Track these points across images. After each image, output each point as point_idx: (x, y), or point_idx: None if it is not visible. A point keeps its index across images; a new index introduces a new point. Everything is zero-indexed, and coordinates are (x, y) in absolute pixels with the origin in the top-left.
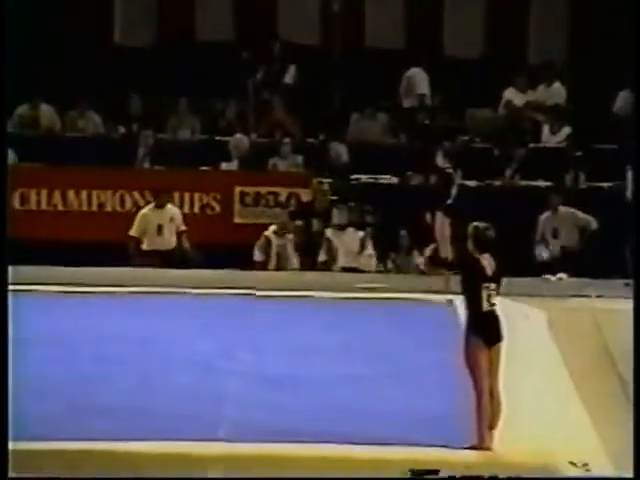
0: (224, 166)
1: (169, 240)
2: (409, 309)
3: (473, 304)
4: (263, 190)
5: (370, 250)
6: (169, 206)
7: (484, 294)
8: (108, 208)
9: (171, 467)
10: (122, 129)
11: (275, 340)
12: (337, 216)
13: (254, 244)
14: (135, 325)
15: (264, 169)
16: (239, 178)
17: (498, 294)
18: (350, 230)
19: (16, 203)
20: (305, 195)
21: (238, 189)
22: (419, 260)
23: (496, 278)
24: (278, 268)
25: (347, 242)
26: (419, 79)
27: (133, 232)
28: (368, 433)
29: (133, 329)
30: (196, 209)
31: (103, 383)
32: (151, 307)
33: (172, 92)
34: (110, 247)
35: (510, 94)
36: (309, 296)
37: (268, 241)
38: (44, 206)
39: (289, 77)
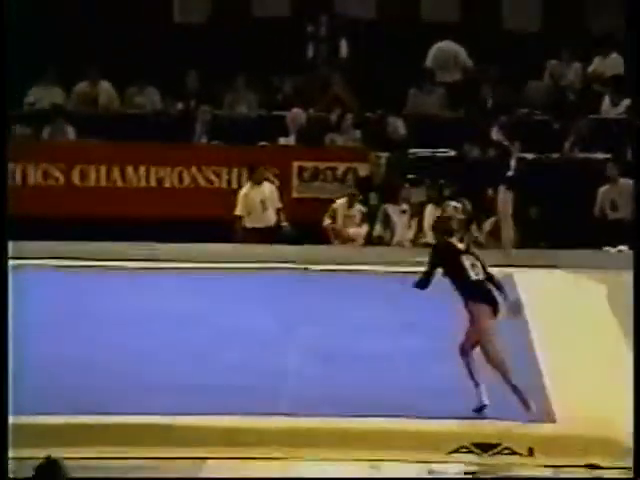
0: (282, 141)
1: (271, 217)
2: None
3: (461, 278)
4: (321, 165)
5: None
6: (266, 183)
7: (467, 264)
8: (167, 184)
9: (233, 440)
10: (180, 105)
11: (333, 314)
12: (416, 194)
13: (312, 219)
14: (194, 301)
15: (322, 144)
16: (297, 153)
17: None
18: (430, 207)
19: (76, 179)
20: (363, 169)
21: (296, 164)
22: (477, 234)
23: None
24: (343, 240)
25: (427, 219)
26: (458, 51)
27: (238, 211)
28: (427, 407)
29: (193, 305)
30: None
31: (163, 359)
32: (209, 283)
33: (229, 68)
34: (169, 222)
35: (568, 66)
36: (368, 270)
37: (335, 211)
38: (103, 182)
39: (346, 51)
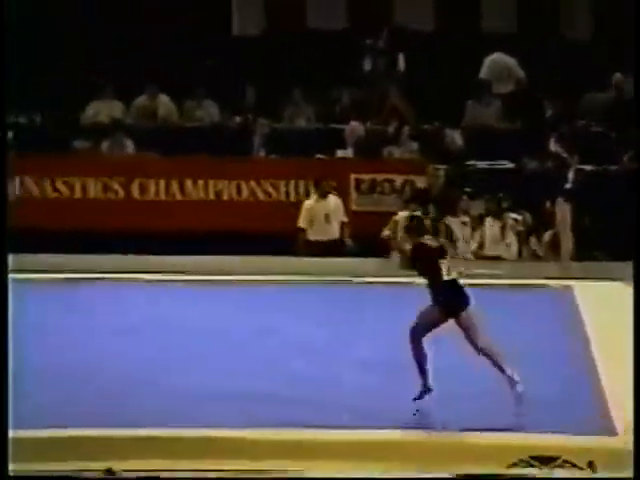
0: (339, 154)
1: (334, 230)
2: (526, 295)
3: (435, 279)
4: (379, 177)
5: (510, 238)
6: (331, 196)
7: (442, 267)
8: (225, 197)
9: (295, 454)
10: (238, 119)
11: (389, 326)
12: (474, 206)
13: (369, 231)
14: (250, 314)
15: (379, 156)
16: (354, 166)
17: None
18: (489, 219)
19: (135, 193)
20: (420, 182)
21: (353, 177)
22: (536, 246)
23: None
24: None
25: (487, 231)
26: (510, 63)
27: (301, 223)
28: (485, 419)
29: (249, 318)
30: None
31: (223, 369)
32: (263, 296)
33: (287, 81)
34: (228, 235)
35: (623, 77)
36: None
37: (396, 223)
38: (162, 196)
39: (403, 64)
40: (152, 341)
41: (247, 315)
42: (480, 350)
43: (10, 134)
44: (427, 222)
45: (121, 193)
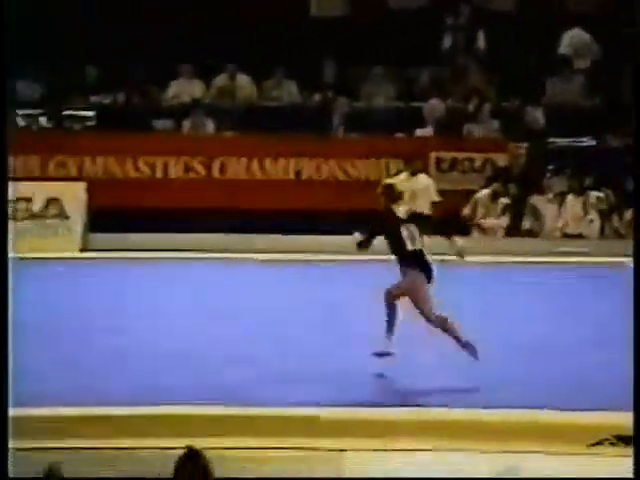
0: (419, 132)
1: (422, 208)
2: (606, 273)
3: (398, 246)
4: (459, 156)
5: (592, 215)
6: (422, 175)
7: (405, 234)
8: (305, 176)
9: (377, 433)
10: (317, 97)
11: (479, 305)
12: (557, 184)
13: (449, 209)
14: (338, 290)
15: (459, 135)
16: (434, 144)
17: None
18: (570, 197)
19: (216, 172)
20: (501, 160)
21: (433, 155)
22: (618, 224)
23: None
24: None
25: (569, 209)
26: (588, 39)
27: None
28: (572, 399)
29: (336, 295)
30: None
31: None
32: (355, 273)
33: (366, 60)
34: (307, 214)
35: None
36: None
37: (476, 202)
38: (243, 175)
39: (483, 41)
40: (238, 320)
41: (326, 291)
42: (430, 320)
43: (92, 114)
44: (506, 200)
45: (202, 172)
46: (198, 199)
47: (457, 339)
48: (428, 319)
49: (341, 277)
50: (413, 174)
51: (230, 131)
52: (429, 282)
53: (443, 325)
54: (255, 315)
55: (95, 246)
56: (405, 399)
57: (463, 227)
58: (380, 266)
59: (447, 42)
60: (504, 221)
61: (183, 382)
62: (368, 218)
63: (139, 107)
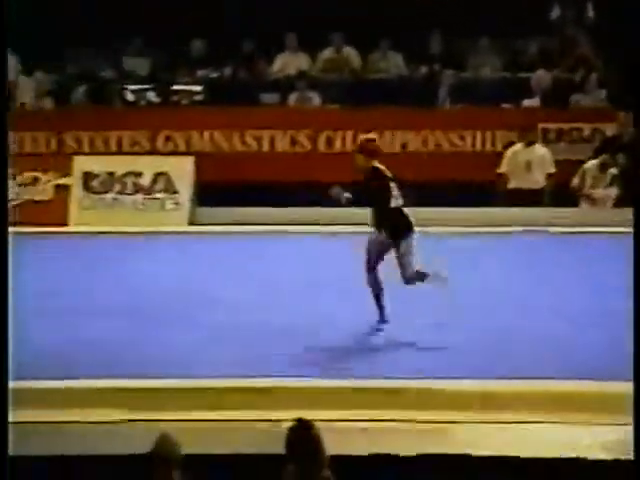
0: (526, 103)
1: (537, 179)
2: None
3: (384, 204)
4: (566, 126)
5: None
6: (538, 145)
7: (395, 192)
8: (411, 148)
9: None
10: (424, 69)
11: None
12: None
13: (560, 181)
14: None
15: (567, 105)
16: (541, 115)
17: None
18: None
19: (322, 146)
20: (610, 130)
21: (541, 126)
22: None
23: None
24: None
25: None
26: None
27: (502, 169)
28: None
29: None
30: (499, 147)
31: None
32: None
33: (473, 31)
34: (415, 186)
35: None
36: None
37: (584, 172)
38: (349, 148)
39: (592, 11)
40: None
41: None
42: (408, 279)
43: (200, 88)
44: (614, 171)
45: (308, 146)
46: (304, 172)
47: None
48: (409, 276)
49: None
50: (529, 144)
51: (336, 104)
52: (406, 237)
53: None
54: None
55: (203, 220)
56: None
57: (572, 198)
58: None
59: (555, 12)
60: (613, 192)
61: (294, 352)
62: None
63: (246, 81)
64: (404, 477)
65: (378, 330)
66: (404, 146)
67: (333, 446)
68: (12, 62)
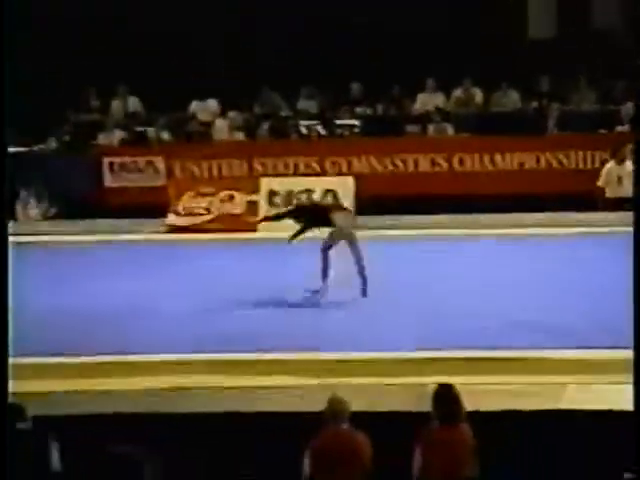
0: (618, 129)
1: (626, 190)
2: None
3: None
4: None
5: None
6: (628, 162)
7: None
8: (527, 167)
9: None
10: (535, 104)
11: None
12: None
13: None
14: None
15: None
16: (630, 138)
17: None
18: None
19: (456, 166)
20: None
21: (629, 147)
22: None
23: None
24: None
25: None
26: None
27: (599, 182)
28: None
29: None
30: (597, 164)
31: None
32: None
33: (574, 73)
34: (529, 197)
35: None
36: None
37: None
38: (477, 167)
39: None
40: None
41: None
42: (358, 262)
43: (358, 122)
44: None
45: (444, 166)
46: (442, 187)
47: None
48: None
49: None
50: (620, 162)
51: (466, 133)
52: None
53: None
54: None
55: (362, 226)
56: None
57: None
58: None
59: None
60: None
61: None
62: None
63: (394, 116)
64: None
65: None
66: (521, 165)
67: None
68: (213, 105)
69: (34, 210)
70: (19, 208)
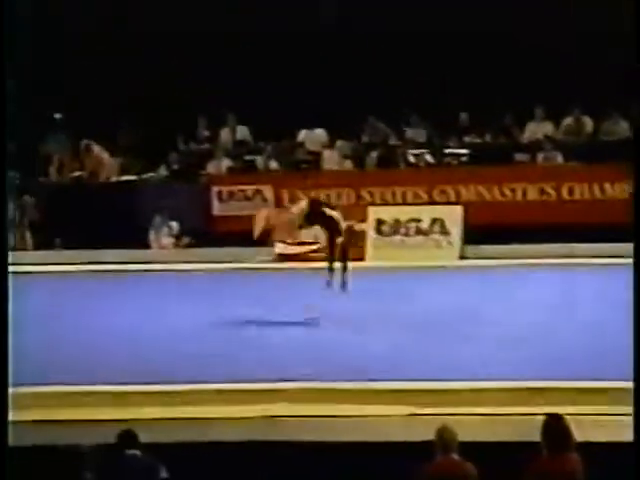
0: None
1: None
2: None
3: None
4: None
5: None
6: None
7: None
8: None
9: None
10: None
11: None
12: None
13: None
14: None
15: None
16: None
17: None
18: None
19: (565, 195)
20: None
21: None
22: None
23: None
24: None
25: None
26: None
27: None
28: None
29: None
30: None
31: None
32: None
33: None
34: None
35: None
36: None
37: None
38: (586, 196)
39: None
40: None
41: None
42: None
43: (466, 151)
44: None
45: (553, 195)
46: (550, 216)
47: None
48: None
49: None
50: None
51: (575, 161)
52: None
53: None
54: None
55: (470, 255)
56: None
57: None
58: None
59: None
60: None
61: None
62: None
63: (502, 144)
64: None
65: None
66: (631, 194)
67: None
68: (321, 134)
69: (168, 239)
70: (152, 236)
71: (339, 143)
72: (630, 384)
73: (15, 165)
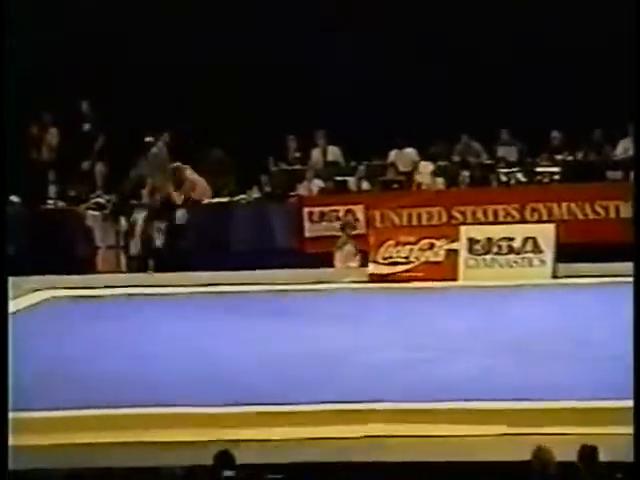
0: None
1: None
2: None
3: None
4: None
5: None
6: None
7: None
8: None
9: None
10: None
11: None
12: None
13: None
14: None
15: None
16: None
17: None
18: None
19: (628, 212)
20: None
21: None
22: None
23: None
24: None
25: None
26: None
27: None
28: None
29: None
30: None
31: None
32: None
33: None
34: None
35: None
36: None
37: None
38: None
39: None
40: None
41: None
42: None
43: (558, 169)
44: None
45: (602, 214)
46: (605, 234)
47: None
48: None
49: None
50: None
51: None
52: None
53: None
54: None
55: (563, 274)
56: None
57: None
58: None
59: None
60: None
61: None
62: None
63: (594, 162)
64: None
65: None
66: None
67: None
68: (411, 153)
69: (355, 263)
70: (338, 255)
71: (430, 163)
72: None
73: (109, 189)
